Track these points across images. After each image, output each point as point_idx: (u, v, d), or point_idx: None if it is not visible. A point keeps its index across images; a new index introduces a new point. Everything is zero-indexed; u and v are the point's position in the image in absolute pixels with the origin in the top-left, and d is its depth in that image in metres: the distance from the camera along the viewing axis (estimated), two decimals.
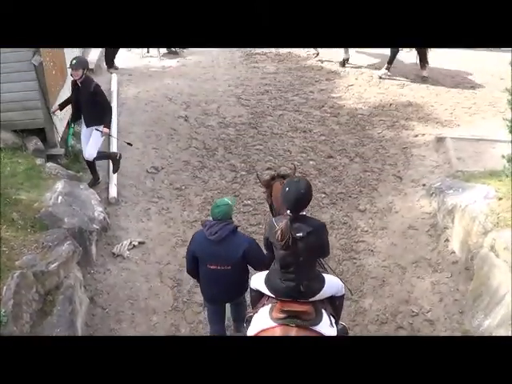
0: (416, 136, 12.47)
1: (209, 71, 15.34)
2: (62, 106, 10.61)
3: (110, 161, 10.98)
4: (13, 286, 7.19)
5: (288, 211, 6.29)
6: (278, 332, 6.18)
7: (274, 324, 6.27)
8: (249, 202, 10.47)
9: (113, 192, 10.64)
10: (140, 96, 13.82)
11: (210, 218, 7.37)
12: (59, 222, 8.97)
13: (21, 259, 7.82)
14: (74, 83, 10.16)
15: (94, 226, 9.41)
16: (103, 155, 10.86)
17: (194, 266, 7.40)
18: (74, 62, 9.86)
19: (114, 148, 11.65)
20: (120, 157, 10.88)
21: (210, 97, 14.02)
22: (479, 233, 8.52)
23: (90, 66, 14.35)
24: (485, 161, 10.84)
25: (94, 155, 10.49)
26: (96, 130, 10.24)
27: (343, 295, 6.95)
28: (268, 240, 6.58)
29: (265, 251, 7.07)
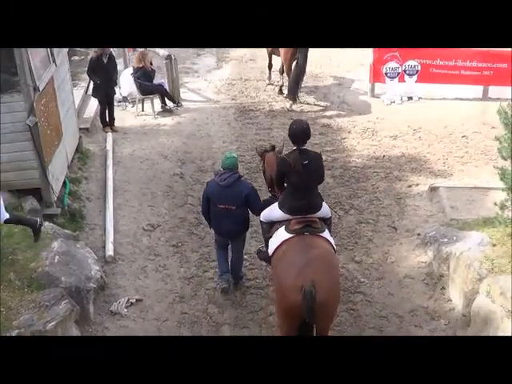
0: (410, 186, 12.58)
1: (203, 128, 15.44)
2: None
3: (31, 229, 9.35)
4: None
5: (294, 147, 8.06)
6: (294, 239, 7.78)
7: (292, 235, 7.85)
8: (246, 256, 10.44)
9: (109, 250, 10.66)
10: (135, 154, 13.96)
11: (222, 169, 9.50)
12: (56, 282, 9.00)
13: (18, 319, 7.86)
14: None
15: (91, 284, 9.43)
16: (16, 219, 9.39)
17: (207, 207, 9.48)
18: None
19: (109, 205, 11.77)
20: (41, 225, 9.41)
21: (205, 153, 14.14)
22: (475, 279, 8.58)
23: (85, 126, 14.52)
24: (478, 208, 10.94)
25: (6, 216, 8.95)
26: None
27: (331, 217, 8.76)
28: (280, 174, 8.26)
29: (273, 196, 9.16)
